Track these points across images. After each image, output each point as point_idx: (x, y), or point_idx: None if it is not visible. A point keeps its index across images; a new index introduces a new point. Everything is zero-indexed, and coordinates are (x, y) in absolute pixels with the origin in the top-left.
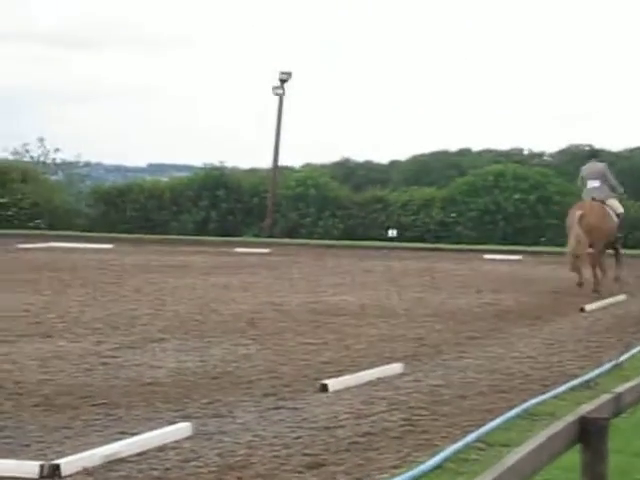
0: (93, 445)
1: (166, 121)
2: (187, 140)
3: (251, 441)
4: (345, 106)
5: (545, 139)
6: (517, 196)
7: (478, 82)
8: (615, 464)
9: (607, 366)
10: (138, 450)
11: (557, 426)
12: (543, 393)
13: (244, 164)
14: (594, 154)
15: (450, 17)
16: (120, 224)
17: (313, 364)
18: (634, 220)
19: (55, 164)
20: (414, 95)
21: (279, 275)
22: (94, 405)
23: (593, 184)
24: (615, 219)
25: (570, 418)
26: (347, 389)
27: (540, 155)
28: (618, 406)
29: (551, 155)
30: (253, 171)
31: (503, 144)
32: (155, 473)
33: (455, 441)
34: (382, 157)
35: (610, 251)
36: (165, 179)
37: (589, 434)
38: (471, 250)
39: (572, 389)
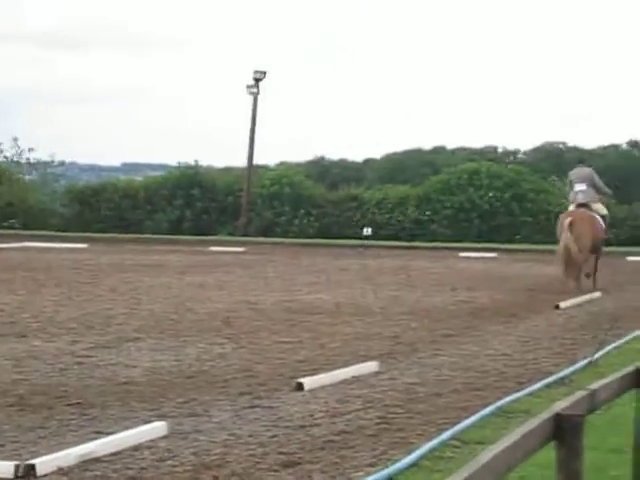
0: (68, 445)
1: (140, 120)
2: (161, 139)
3: (227, 440)
4: (319, 104)
5: (519, 137)
6: (491, 194)
7: (452, 80)
8: (590, 461)
9: (582, 363)
10: (113, 450)
11: (532, 423)
12: (518, 391)
13: (219, 163)
14: (582, 160)
15: (424, 16)
16: (95, 223)
17: (288, 363)
18: (610, 219)
19: (29, 164)
20: (388, 93)
21: (254, 274)
22: (69, 405)
23: (580, 187)
24: (602, 223)
25: (545, 415)
26: (322, 388)
27: (514, 153)
28: (593, 403)
29: (525, 153)
30: (228, 170)
31: (477, 142)
32: (130, 472)
33: (430, 439)
34: (357, 155)
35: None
36: (139, 178)
37: (564, 431)
38: (446, 248)
39: (547, 386)
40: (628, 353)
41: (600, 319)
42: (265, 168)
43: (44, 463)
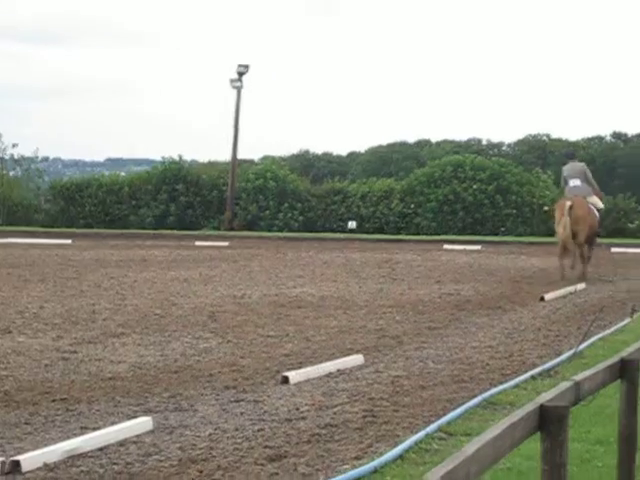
0: (54, 441)
1: (124, 116)
2: (145, 134)
3: (212, 434)
4: (303, 98)
5: (503, 129)
6: (476, 186)
7: (437, 74)
8: (576, 452)
9: (567, 354)
10: (99, 445)
11: (517, 415)
12: (503, 382)
13: (203, 157)
14: (571, 154)
15: (405, 10)
16: (79, 219)
17: (274, 356)
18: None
19: (13, 160)
20: (373, 87)
21: (239, 268)
22: (54, 400)
23: (575, 182)
24: (597, 214)
25: (530, 406)
26: (308, 381)
27: (498, 145)
28: (577, 394)
29: (509, 145)
30: (212, 164)
31: (461, 135)
32: (116, 468)
33: (416, 431)
34: (341, 149)
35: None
36: (123, 174)
37: (549, 422)
38: (431, 241)
39: (532, 378)
40: (613, 344)
41: (585, 310)
42: (249, 162)
43: (30, 459)
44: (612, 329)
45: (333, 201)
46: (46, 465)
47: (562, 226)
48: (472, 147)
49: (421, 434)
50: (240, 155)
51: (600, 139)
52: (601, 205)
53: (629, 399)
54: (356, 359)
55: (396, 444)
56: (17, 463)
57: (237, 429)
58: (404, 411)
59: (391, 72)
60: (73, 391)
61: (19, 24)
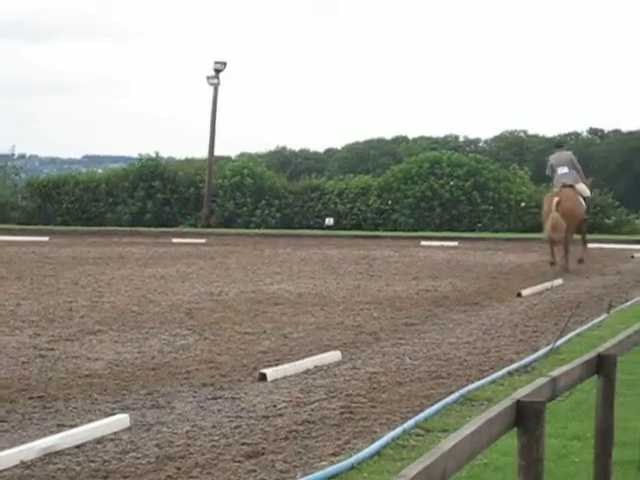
0: (30, 438)
1: (101, 112)
2: (122, 131)
3: (190, 431)
4: (280, 95)
5: (480, 126)
6: (453, 183)
7: (413, 70)
8: (553, 448)
9: (544, 350)
10: (76, 442)
11: (494, 410)
12: (480, 378)
13: (179, 154)
14: (560, 144)
15: (384, 8)
16: (56, 216)
17: (251, 353)
18: None
19: None
20: (349, 84)
21: (216, 265)
22: (31, 398)
23: (563, 170)
24: (583, 204)
25: (506, 402)
26: (285, 378)
27: (475, 142)
28: (554, 390)
29: (486, 142)
30: (189, 161)
31: (438, 131)
32: (93, 465)
33: (393, 428)
34: (318, 145)
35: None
36: (100, 171)
37: (525, 418)
38: (408, 237)
39: (509, 374)
40: (590, 340)
41: (562, 306)
42: (226, 159)
43: (6, 457)
44: (589, 325)
45: (310, 198)
46: (23, 463)
47: (550, 221)
48: (449, 143)
49: (398, 430)
50: (217, 152)
51: (576, 135)
52: (588, 193)
53: (606, 394)
54: (333, 355)
55: (373, 440)
56: None
57: (214, 426)
58: (381, 407)
59: (368, 69)
60: (50, 388)
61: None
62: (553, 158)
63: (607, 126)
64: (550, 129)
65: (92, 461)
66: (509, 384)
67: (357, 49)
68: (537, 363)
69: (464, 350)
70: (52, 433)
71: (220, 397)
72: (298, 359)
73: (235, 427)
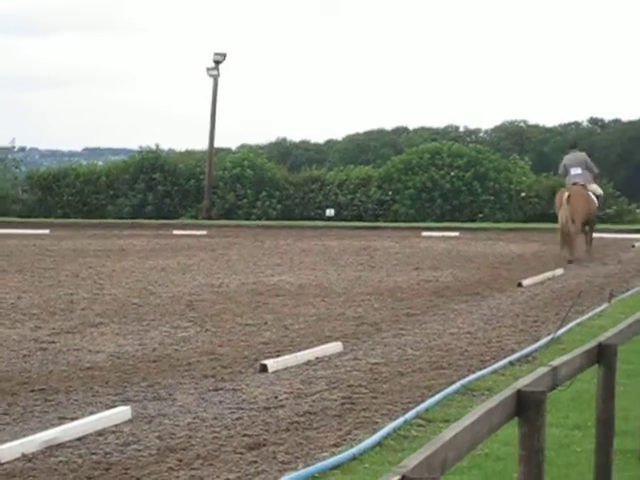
0: (32, 431)
1: (101, 105)
2: (122, 123)
3: (191, 423)
4: (281, 86)
5: (480, 116)
6: (453, 173)
7: (413, 60)
8: (554, 437)
9: (545, 340)
10: (78, 435)
11: (494, 400)
12: (482, 368)
13: (180, 146)
14: (574, 144)
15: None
16: (57, 209)
17: (252, 345)
18: None
19: None
20: (349, 75)
21: (217, 257)
22: (33, 391)
23: (576, 171)
24: (595, 202)
25: (507, 392)
26: (286, 369)
27: (476, 132)
28: (555, 379)
29: (486, 132)
30: (189, 153)
31: (439, 122)
32: (95, 457)
33: (394, 418)
34: (318, 136)
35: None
36: (101, 163)
37: (526, 407)
38: (409, 228)
39: (511, 364)
40: (590, 330)
41: (562, 296)
42: (227, 151)
43: (8, 449)
44: (590, 314)
45: (311, 189)
46: (24, 455)
47: (562, 215)
48: (449, 134)
49: (399, 421)
50: (217, 143)
51: (577, 125)
52: (600, 191)
53: (606, 384)
54: (335, 347)
55: (375, 431)
56: None
57: (216, 418)
58: (382, 398)
59: (368, 59)
60: (51, 381)
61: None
62: (567, 159)
63: (607, 116)
64: (550, 119)
65: (94, 453)
66: (510, 374)
67: (357, 40)
68: (538, 353)
69: (465, 340)
70: (53, 426)
71: (221, 389)
72: (299, 350)
73: (236, 418)
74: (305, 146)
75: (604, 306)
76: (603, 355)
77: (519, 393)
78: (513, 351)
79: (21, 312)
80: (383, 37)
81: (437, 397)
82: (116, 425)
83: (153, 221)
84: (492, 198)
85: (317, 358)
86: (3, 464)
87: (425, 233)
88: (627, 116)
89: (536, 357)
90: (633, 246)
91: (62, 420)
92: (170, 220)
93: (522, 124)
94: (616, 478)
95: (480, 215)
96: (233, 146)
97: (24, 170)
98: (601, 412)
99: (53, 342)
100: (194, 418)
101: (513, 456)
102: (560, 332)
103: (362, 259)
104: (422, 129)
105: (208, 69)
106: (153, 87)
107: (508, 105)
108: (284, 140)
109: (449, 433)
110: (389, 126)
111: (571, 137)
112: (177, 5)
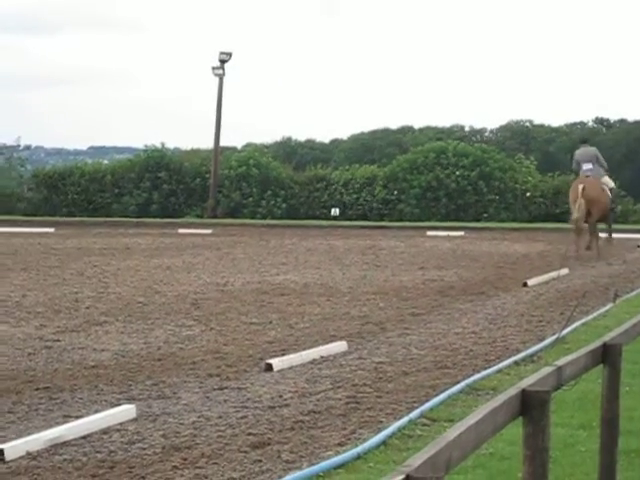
0: (37, 429)
1: (106, 103)
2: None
3: (196, 422)
4: (286, 85)
5: (486, 116)
6: (458, 173)
7: (418, 60)
8: (559, 437)
9: (550, 340)
10: (82, 433)
11: (499, 400)
12: (486, 368)
13: (185, 145)
14: (585, 139)
15: None
16: (62, 207)
17: (257, 344)
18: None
19: None
20: (355, 74)
21: (222, 256)
22: (37, 389)
23: (587, 166)
24: (609, 194)
25: (512, 391)
26: (291, 368)
27: (481, 131)
28: (559, 379)
29: (492, 131)
30: (194, 152)
31: (444, 121)
32: (99, 456)
33: (399, 417)
34: (323, 136)
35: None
36: (106, 162)
37: (530, 407)
38: (414, 227)
39: (515, 363)
40: (595, 329)
41: (567, 296)
42: (232, 150)
43: (13, 448)
44: (594, 314)
45: (316, 188)
46: (29, 454)
47: (577, 207)
48: (455, 133)
49: (404, 420)
50: (223, 142)
51: (582, 125)
52: (612, 184)
53: (611, 383)
54: (339, 346)
55: (379, 430)
56: (0, 452)
57: (220, 417)
58: (387, 397)
59: (373, 59)
60: (56, 380)
61: (1, 13)
62: (578, 154)
63: (613, 115)
64: (556, 119)
65: (98, 452)
66: (515, 374)
67: (363, 39)
68: (543, 352)
69: (470, 340)
70: (58, 424)
71: (226, 387)
72: (304, 349)
73: (241, 417)
74: (310, 145)
75: (609, 306)
76: (608, 355)
77: (524, 393)
78: (518, 351)
79: (26, 310)
80: (389, 36)
81: (442, 396)
82: (121, 423)
83: (158, 220)
84: (497, 198)
85: (322, 357)
86: (8, 462)
87: (430, 232)
88: (633, 116)
89: (541, 357)
90: (638, 246)
91: (67, 418)
92: (175, 219)
93: (528, 124)
94: (621, 478)
95: (485, 215)
96: (239, 145)
97: (29, 168)
98: (606, 412)
99: (58, 340)
100: (199, 417)
101: (518, 455)
102: (565, 332)
103: (367, 258)
104: (427, 128)
105: (214, 68)
106: (159, 86)
107: (514, 105)
108: (289, 139)
109: (453, 432)
110: (394, 125)
111: (576, 137)
112: (183, 4)
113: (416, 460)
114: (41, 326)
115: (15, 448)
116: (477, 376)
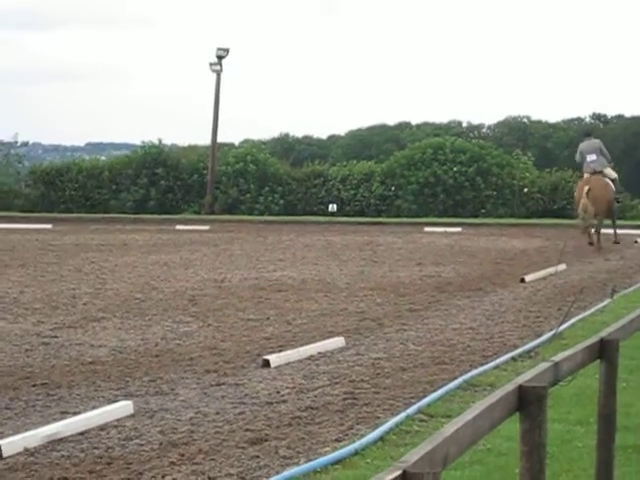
0: (34, 425)
1: (104, 100)
2: (125, 118)
3: (193, 418)
4: (283, 81)
5: (483, 111)
6: (456, 169)
7: (416, 55)
8: (557, 433)
9: (547, 336)
10: (80, 429)
11: (496, 395)
12: (484, 364)
13: (182, 141)
14: (588, 132)
15: None
16: (59, 204)
17: (255, 340)
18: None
19: None
20: (352, 70)
21: (220, 252)
22: (35, 385)
23: (591, 157)
24: (613, 188)
25: (508, 387)
26: (289, 364)
27: (478, 127)
28: (556, 375)
29: (489, 127)
30: (192, 148)
31: (442, 117)
32: (97, 452)
33: (396, 413)
34: (321, 132)
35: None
36: (104, 158)
37: (527, 403)
38: (411, 223)
39: (513, 359)
40: (592, 325)
41: (565, 291)
42: (229, 146)
43: (10, 444)
44: (592, 310)
45: (314, 184)
46: (27, 450)
47: (582, 207)
48: (452, 129)
49: (401, 416)
50: (220, 138)
51: (580, 120)
52: (615, 175)
53: (608, 379)
54: (337, 342)
55: (376, 426)
56: None
57: (218, 413)
58: (384, 393)
59: (370, 54)
60: (54, 376)
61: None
62: (582, 146)
63: (610, 111)
64: (553, 114)
65: (96, 448)
66: (512, 369)
67: (360, 35)
68: (540, 348)
69: (467, 336)
70: (56, 420)
71: (224, 383)
72: (301, 345)
73: (239, 413)
74: (308, 141)
75: (606, 302)
76: (605, 351)
77: (521, 388)
78: (515, 346)
79: (23, 307)
80: (386, 32)
81: (439, 392)
82: (118, 420)
83: (156, 216)
84: (495, 194)
85: (319, 353)
86: (5, 458)
87: (428, 228)
88: (630, 112)
89: (538, 352)
90: (636, 242)
91: (64, 414)
92: (173, 215)
93: (525, 120)
94: (618, 473)
95: (483, 211)
96: (236, 141)
97: (27, 165)
98: (603, 407)
99: (55, 337)
100: (196, 413)
101: (515, 451)
102: (562, 328)
103: (365, 254)
104: (425, 124)
105: (211, 64)
106: (156, 82)
107: (511, 100)
108: (287, 135)
109: (450, 428)
110: (392, 121)
111: (574, 133)
112: (181, 1)
113: (413, 456)
114: (38, 322)
115: (12, 444)
116: (474, 372)
